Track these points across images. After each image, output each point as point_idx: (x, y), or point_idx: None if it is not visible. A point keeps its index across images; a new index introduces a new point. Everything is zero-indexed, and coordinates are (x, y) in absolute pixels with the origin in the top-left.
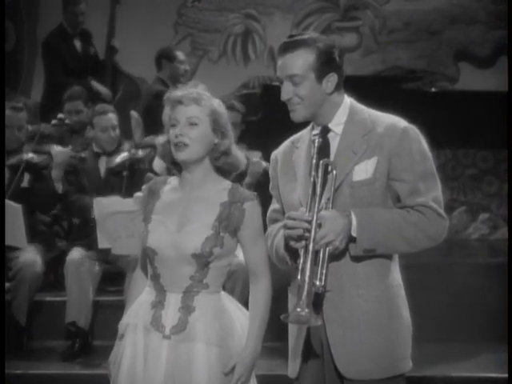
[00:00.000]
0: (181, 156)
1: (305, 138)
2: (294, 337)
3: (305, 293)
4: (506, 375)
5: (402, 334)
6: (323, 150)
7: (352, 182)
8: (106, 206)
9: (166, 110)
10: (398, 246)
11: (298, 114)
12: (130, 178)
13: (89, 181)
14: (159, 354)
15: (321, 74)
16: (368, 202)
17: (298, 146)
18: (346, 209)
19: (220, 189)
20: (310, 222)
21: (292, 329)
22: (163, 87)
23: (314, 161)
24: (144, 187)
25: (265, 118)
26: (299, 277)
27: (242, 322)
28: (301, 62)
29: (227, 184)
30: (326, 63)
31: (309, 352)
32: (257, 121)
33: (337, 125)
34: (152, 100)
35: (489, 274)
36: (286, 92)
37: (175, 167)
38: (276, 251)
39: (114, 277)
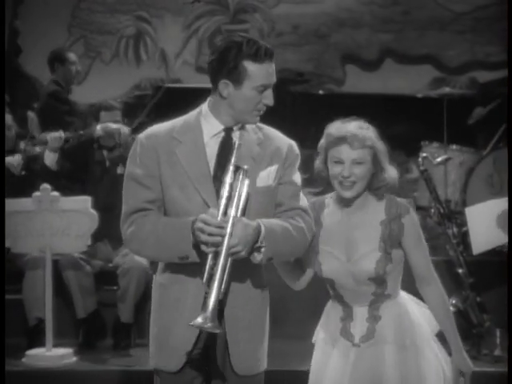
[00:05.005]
0: (349, 194)
1: (191, 135)
2: (180, 335)
3: (213, 299)
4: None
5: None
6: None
7: (256, 187)
8: (4, 206)
9: (325, 144)
10: (288, 254)
11: None
12: (27, 178)
13: None
14: (347, 359)
15: None
16: (267, 207)
17: (182, 140)
18: (249, 214)
19: (376, 207)
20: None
21: (178, 329)
22: (57, 88)
23: (232, 167)
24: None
25: (156, 119)
26: (205, 281)
27: (427, 317)
28: None
29: (380, 198)
30: None
31: (192, 350)
32: (148, 121)
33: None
34: (46, 100)
35: None
36: None
37: None
38: (166, 244)
39: (12, 275)
